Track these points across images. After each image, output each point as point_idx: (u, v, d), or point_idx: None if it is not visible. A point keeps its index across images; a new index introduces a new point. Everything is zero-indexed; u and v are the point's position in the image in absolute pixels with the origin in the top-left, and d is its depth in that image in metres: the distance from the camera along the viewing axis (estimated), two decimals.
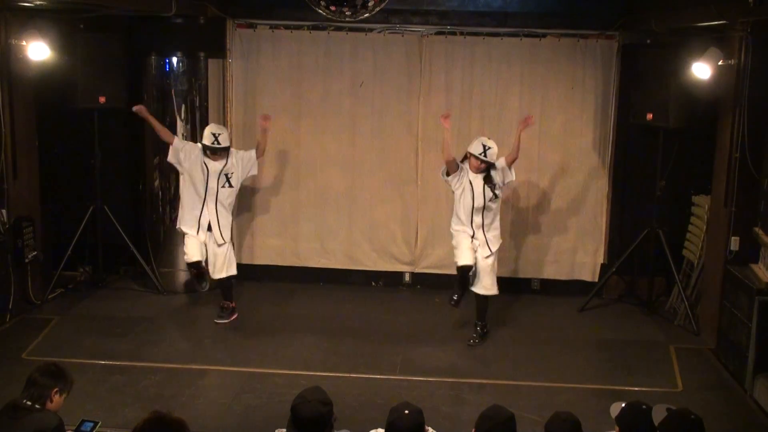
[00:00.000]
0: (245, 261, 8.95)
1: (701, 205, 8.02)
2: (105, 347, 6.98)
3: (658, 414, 3.71)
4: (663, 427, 3.62)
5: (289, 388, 5.97)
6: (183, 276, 8.53)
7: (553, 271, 8.78)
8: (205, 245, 7.50)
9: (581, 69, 8.43)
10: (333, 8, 5.43)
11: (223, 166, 7.45)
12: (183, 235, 7.56)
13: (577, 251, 8.73)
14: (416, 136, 8.66)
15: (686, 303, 7.87)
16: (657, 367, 6.99)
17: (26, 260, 7.73)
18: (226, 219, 7.60)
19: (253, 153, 7.62)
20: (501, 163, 7.08)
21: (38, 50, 7.31)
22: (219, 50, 8.55)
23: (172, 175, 8.39)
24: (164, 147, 7.77)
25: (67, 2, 7.17)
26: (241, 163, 7.56)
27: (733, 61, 7.02)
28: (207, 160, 7.43)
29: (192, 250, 7.44)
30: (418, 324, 7.88)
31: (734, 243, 7.11)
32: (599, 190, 8.63)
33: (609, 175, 8.60)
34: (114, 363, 6.65)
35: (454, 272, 7.34)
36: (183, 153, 7.48)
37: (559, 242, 8.72)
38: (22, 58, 7.40)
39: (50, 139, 8.36)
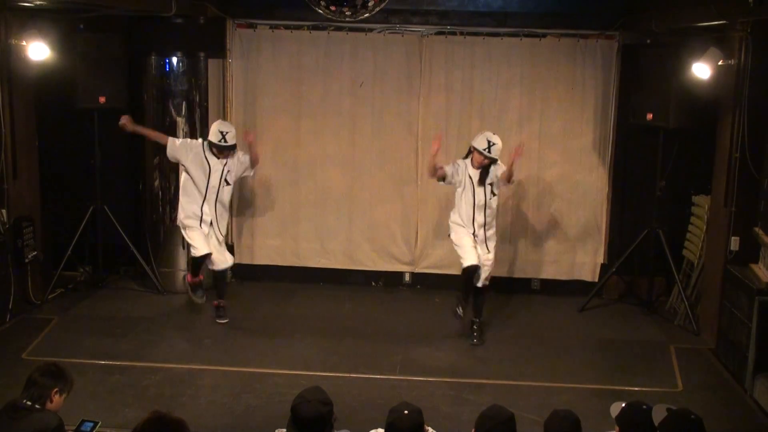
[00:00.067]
0: (245, 261, 8.96)
1: (701, 205, 8.02)
2: (105, 347, 6.98)
3: (658, 414, 3.71)
4: (663, 427, 3.62)
5: (289, 388, 5.97)
6: (183, 276, 8.52)
7: (553, 271, 8.78)
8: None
9: (581, 69, 8.42)
10: (333, 8, 5.42)
11: (225, 165, 7.43)
12: (183, 228, 7.46)
13: (577, 251, 8.73)
14: (416, 136, 8.66)
15: (686, 303, 7.87)
16: (657, 367, 6.98)
17: (26, 260, 7.73)
18: (225, 215, 7.64)
19: (248, 158, 7.59)
20: (501, 167, 7.07)
21: (38, 50, 7.31)
22: (219, 50, 8.56)
23: (172, 175, 8.40)
24: (164, 147, 7.77)
25: (67, 2, 7.17)
26: (238, 163, 7.53)
27: (733, 61, 7.02)
28: (210, 158, 7.37)
29: (200, 243, 7.37)
30: (418, 324, 7.88)
31: (734, 243, 7.11)
32: (599, 190, 8.63)
33: (609, 176, 8.60)
34: (114, 363, 6.64)
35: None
36: (179, 152, 7.42)
37: (559, 242, 8.72)
38: (22, 58, 7.40)
39: (50, 139, 8.36)
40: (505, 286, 8.60)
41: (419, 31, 8.50)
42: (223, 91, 8.65)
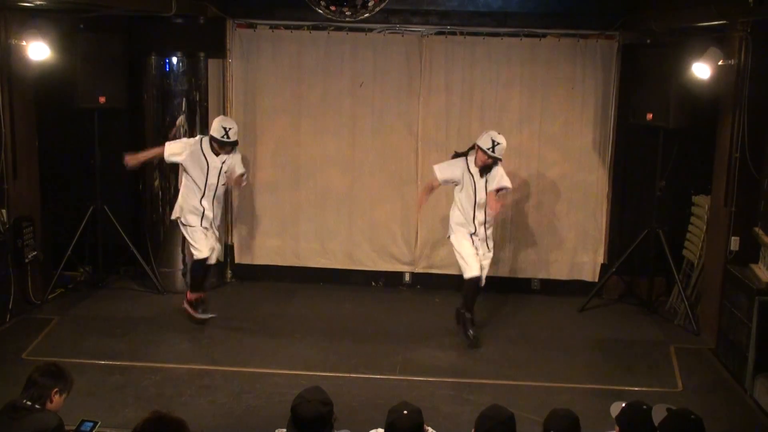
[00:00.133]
0: (245, 261, 8.97)
1: (701, 205, 8.02)
2: (105, 347, 6.98)
3: (658, 414, 3.71)
4: (663, 427, 3.62)
5: (289, 388, 5.97)
6: (183, 276, 8.53)
7: (553, 271, 8.78)
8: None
9: (581, 69, 8.43)
10: (333, 8, 5.42)
11: (223, 162, 7.43)
12: (184, 227, 7.46)
13: (577, 251, 8.73)
14: (416, 136, 8.66)
15: (686, 303, 7.87)
16: (657, 367, 6.98)
17: (26, 260, 7.73)
18: (221, 212, 7.71)
19: (240, 163, 7.55)
20: (501, 171, 7.06)
21: (38, 50, 7.30)
22: (219, 50, 8.56)
23: (171, 175, 8.41)
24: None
25: (67, 2, 7.16)
26: (230, 162, 7.51)
27: (733, 61, 7.02)
28: (209, 155, 7.36)
29: (203, 245, 7.40)
30: (418, 324, 7.88)
31: (734, 243, 7.11)
32: (599, 191, 8.63)
33: (609, 176, 8.60)
34: (114, 363, 6.65)
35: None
36: (174, 152, 7.40)
37: (559, 242, 8.72)
38: (22, 58, 7.40)
39: (50, 139, 8.36)
40: (505, 286, 8.60)
41: (419, 31, 8.50)
42: (223, 91, 8.65)
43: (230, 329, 7.59)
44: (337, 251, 8.92)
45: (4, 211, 7.44)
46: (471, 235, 7.20)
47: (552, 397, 6.18)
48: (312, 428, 3.57)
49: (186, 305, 7.57)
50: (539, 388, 6.45)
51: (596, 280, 8.61)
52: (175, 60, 8.31)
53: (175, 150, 7.42)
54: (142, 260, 8.53)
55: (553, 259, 8.76)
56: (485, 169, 7.04)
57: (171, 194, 8.44)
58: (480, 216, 7.15)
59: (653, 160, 8.13)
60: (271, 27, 8.61)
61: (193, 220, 7.42)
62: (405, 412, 3.64)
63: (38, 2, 6.89)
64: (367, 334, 7.56)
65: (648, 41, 8.16)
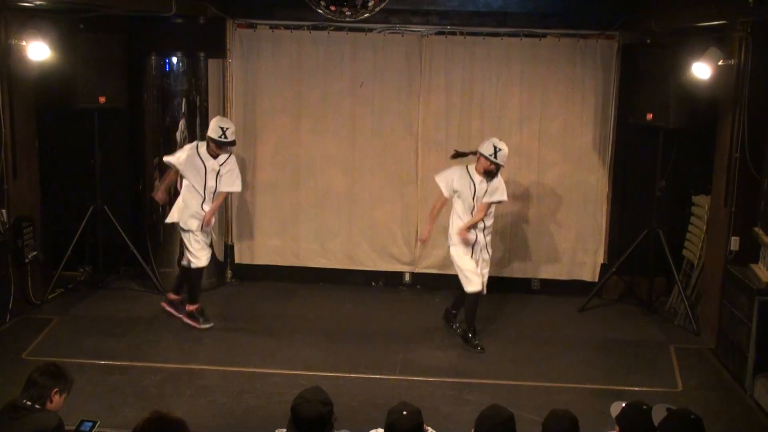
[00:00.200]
0: (245, 261, 8.97)
1: (701, 205, 8.02)
2: (105, 347, 6.98)
3: (658, 414, 3.71)
4: (663, 427, 3.62)
5: (289, 388, 5.97)
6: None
7: (553, 271, 8.78)
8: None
9: (581, 69, 8.42)
10: (333, 8, 5.42)
11: (221, 165, 7.41)
12: (185, 232, 7.46)
13: (577, 251, 8.73)
14: (416, 136, 8.66)
15: (686, 303, 7.87)
16: (657, 367, 6.99)
17: (26, 260, 7.73)
18: (216, 215, 7.74)
19: (235, 166, 7.52)
20: (501, 186, 7.07)
21: (38, 50, 7.30)
22: (219, 50, 8.55)
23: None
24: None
25: (67, 2, 7.16)
26: (228, 168, 7.49)
27: (733, 61, 7.02)
28: (205, 158, 7.35)
29: (203, 254, 7.46)
30: (418, 324, 7.88)
31: (734, 243, 7.11)
32: (599, 191, 8.63)
33: (609, 176, 8.60)
34: (114, 363, 6.65)
35: (454, 272, 7.28)
36: (171, 157, 7.45)
37: (559, 242, 8.71)
38: (22, 58, 7.40)
39: (50, 139, 8.36)
40: (505, 286, 8.59)
41: (419, 31, 8.50)
42: (223, 91, 8.65)
43: (230, 329, 7.59)
44: (337, 251, 8.92)
45: (4, 211, 7.45)
46: (472, 246, 7.16)
47: (552, 397, 6.19)
48: (312, 428, 3.57)
49: (187, 319, 7.54)
50: (539, 388, 6.45)
51: (596, 280, 8.61)
52: (175, 60, 8.31)
53: (171, 156, 7.47)
54: (142, 260, 8.53)
55: (553, 259, 8.76)
56: (488, 175, 7.04)
57: (171, 194, 8.42)
58: (479, 222, 7.13)
59: (653, 160, 8.13)
60: (271, 27, 8.61)
61: (193, 224, 7.42)
62: (405, 412, 3.64)
63: (38, 2, 6.89)
64: (367, 334, 7.56)
65: (648, 41, 8.16)
